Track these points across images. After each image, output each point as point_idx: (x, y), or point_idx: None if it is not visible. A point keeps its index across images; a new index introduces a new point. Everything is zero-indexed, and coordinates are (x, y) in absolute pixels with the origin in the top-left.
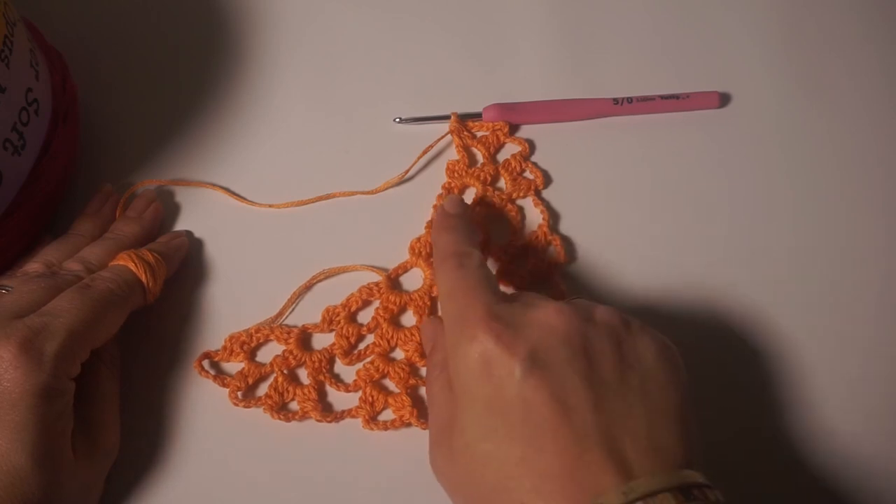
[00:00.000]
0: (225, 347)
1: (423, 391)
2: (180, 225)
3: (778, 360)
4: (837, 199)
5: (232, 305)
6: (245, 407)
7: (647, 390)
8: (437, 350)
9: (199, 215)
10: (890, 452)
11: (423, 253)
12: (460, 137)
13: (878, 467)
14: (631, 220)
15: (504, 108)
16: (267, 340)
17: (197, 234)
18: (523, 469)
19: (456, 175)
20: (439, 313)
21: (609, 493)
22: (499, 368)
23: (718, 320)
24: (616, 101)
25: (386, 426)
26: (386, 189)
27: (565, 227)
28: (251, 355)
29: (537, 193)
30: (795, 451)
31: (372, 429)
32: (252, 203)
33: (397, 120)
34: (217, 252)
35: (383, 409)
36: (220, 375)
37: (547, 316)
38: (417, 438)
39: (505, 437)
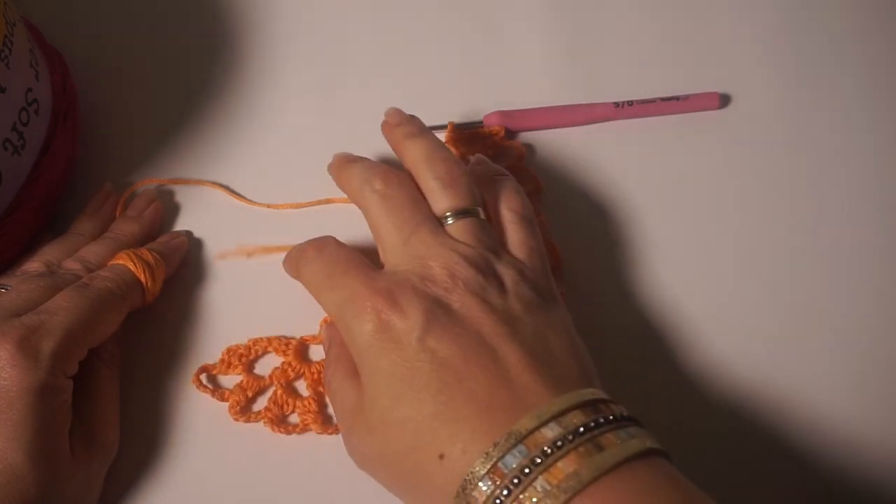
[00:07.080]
0: (223, 360)
1: None
2: (180, 225)
3: (779, 361)
4: (838, 200)
5: (232, 306)
6: (245, 421)
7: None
8: (332, 345)
9: (199, 215)
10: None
11: None
12: (457, 147)
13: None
14: (631, 222)
15: (505, 116)
16: (265, 352)
17: (197, 233)
18: (437, 422)
19: None
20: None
21: (522, 420)
22: (395, 334)
23: (720, 322)
24: (617, 104)
25: None
26: None
27: (566, 231)
28: (249, 367)
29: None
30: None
31: None
32: (251, 202)
33: None
34: (217, 252)
35: None
36: (218, 389)
37: (425, 271)
38: None
39: (414, 399)
